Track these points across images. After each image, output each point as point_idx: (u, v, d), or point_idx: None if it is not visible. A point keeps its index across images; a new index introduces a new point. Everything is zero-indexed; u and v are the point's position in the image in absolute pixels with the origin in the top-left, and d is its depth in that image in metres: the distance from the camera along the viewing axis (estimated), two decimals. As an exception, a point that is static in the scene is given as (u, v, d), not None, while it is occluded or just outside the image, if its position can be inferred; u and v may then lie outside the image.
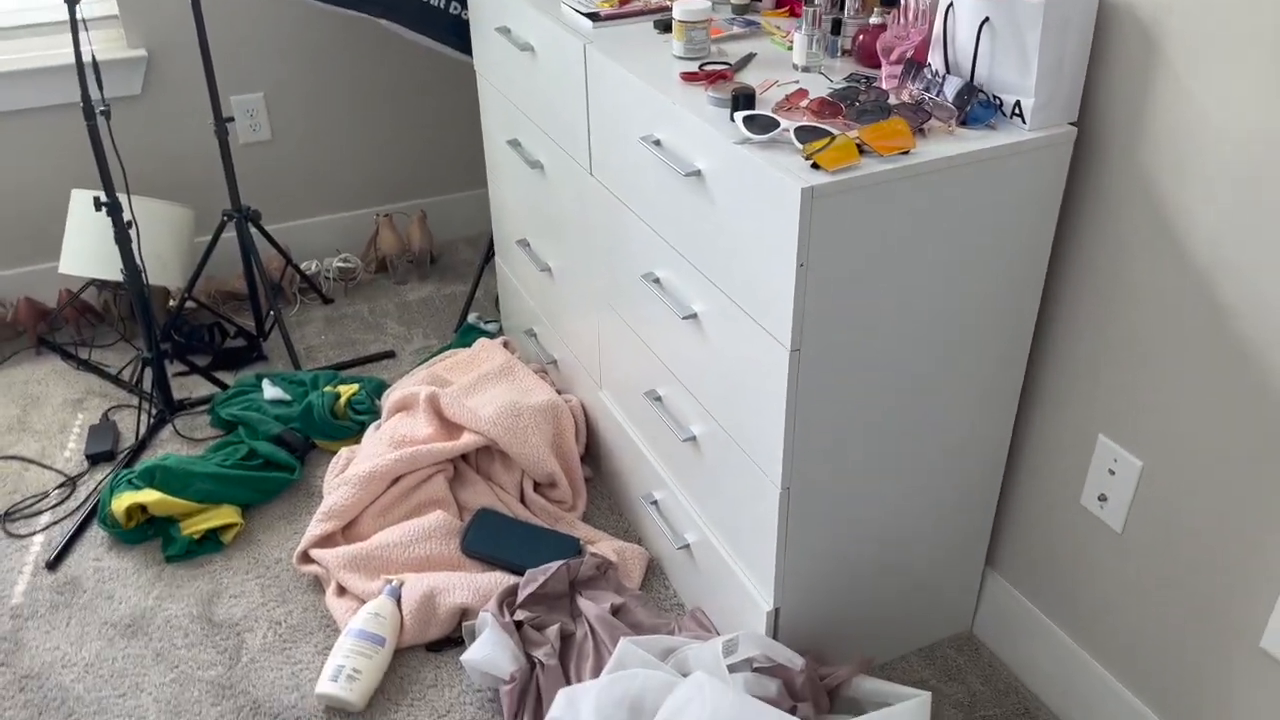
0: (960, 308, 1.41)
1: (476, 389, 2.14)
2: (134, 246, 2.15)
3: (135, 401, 2.39)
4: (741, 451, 1.51)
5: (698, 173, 1.43)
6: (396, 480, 1.96)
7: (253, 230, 2.52)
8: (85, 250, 2.40)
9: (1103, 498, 1.47)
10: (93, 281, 2.61)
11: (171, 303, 2.63)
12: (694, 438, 1.66)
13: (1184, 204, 1.27)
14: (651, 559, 1.94)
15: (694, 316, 1.55)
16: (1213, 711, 1.39)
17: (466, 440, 1.99)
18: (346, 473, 1.97)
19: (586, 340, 2.06)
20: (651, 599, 1.86)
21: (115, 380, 2.46)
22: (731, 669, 1.53)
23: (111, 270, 2.38)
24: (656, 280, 1.65)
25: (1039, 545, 1.63)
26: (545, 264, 2.17)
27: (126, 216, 2.17)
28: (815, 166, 1.25)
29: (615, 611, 1.76)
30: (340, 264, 2.84)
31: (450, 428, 2.04)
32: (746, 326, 1.40)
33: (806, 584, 1.56)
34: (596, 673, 1.65)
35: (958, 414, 1.52)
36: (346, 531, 1.94)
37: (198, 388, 2.45)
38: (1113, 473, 1.45)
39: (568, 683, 1.65)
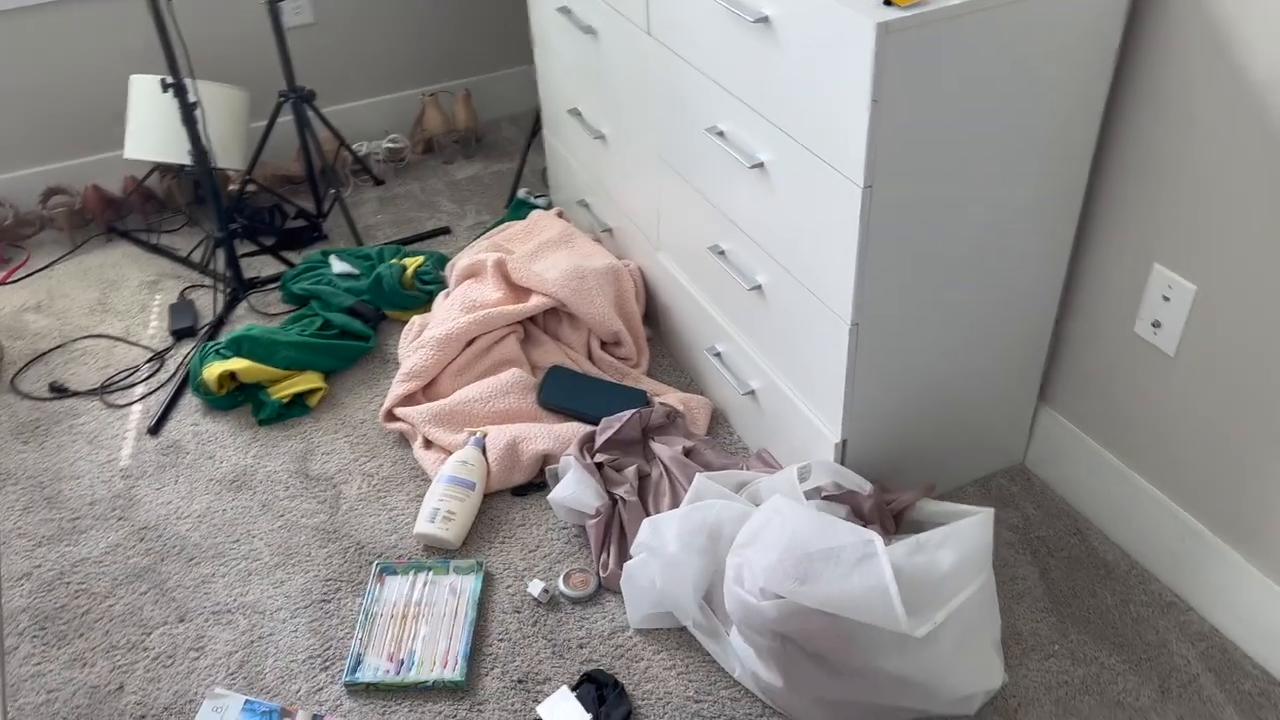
0: (1024, 141, 1.47)
1: (538, 256, 2.22)
2: (200, 128, 2.22)
3: (208, 282, 2.49)
4: (810, 293, 1.59)
5: (765, 19, 1.47)
6: (471, 342, 2.06)
7: (308, 112, 2.57)
8: (149, 135, 2.46)
9: (1156, 324, 1.55)
10: (157, 167, 2.69)
11: (232, 187, 2.70)
12: (759, 286, 1.74)
13: (1244, 34, 1.31)
14: (715, 408, 2.05)
15: (760, 165, 1.61)
16: (1258, 510, 1.49)
17: (535, 302, 2.08)
18: (423, 336, 2.08)
19: (644, 204, 2.12)
20: (718, 443, 1.98)
21: (186, 262, 2.56)
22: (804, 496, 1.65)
23: (176, 153, 2.45)
24: (720, 133, 1.71)
25: (1092, 375, 1.72)
26: (599, 131, 2.22)
27: (191, 98, 2.23)
28: (887, 3, 1.29)
29: (687, 454, 1.87)
30: (389, 145, 2.89)
31: (518, 292, 2.13)
32: (817, 169, 1.47)
33: (871, 417, 1.66)
34: (674, 507, 1.77)
35: (1018, 248, 1.59)
36: (426, 391, 2.06)
37: (264, 267, 2.55)
38: (1167, 299, 1.52)
39: (648, 516, 1.78)
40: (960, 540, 1.45)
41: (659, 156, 1.98)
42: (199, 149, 2.23)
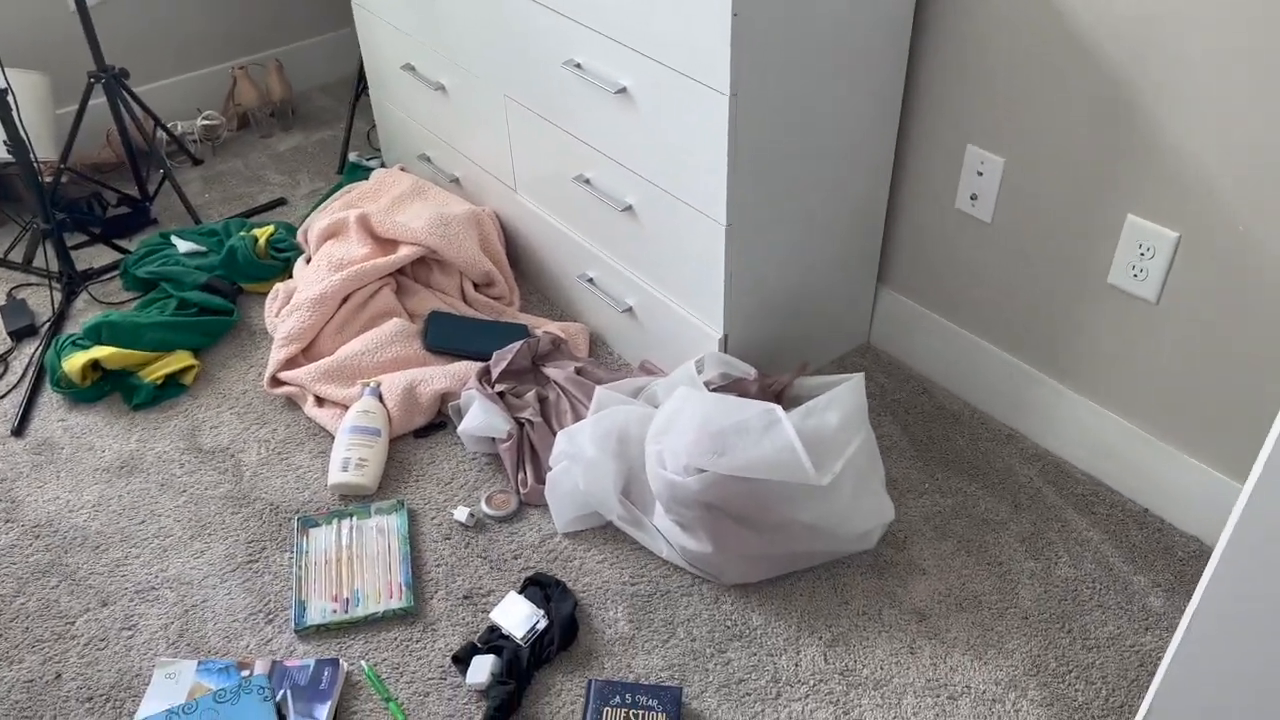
0: (853, 41, 1.67)
1: (396, 209, 2.26)
2: (15, 115, 2.10)
3: (34, 279, 2.37)
4: (683, 204, 1.75)
5: (618, -47, 1.60)
6: (346, 299, 2.09)
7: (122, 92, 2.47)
8: (-55, 130, 2.30)
9: (974, 197, 1.81)
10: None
11: (46, 179, 2.55)
12: (630, 207, 1.88)
13: (1022, -65, 1.56)
14: (592, 332, 2.18)
15: (623, 91, 1.74)
16: (1068, 342, 1.79)
17: (404, 253, 2.13)
18: (296, 299, 2.08)
19: (494, 149, 2.20)
20: (602, 363, 2.11)
21: (4, 263, 2.41)
22: (696, 391, 1.81)
23: (-20, 147, 2.30)
24: (578, 65, 1.82)
25: (922, 252, 1.97)
26: (438, 83, 2.28)
27: (0, 84, 2.11)
28: (736, -73, 1.45)
29: (578, 373, 1.99)
30: (205, 122, 2.81)
31: (384, 245, 2.17)
32: (682, 85, 1.62)
33: (745, 310, 1.84)
34: (576, 423, 1.89)
35: (853, 143, 1.80)
36: (306, 353, 2.07)
37: (94, 258, 2.44)
38: (980, 174, 1.78)
39: (554, 437, 1.89)
40: (841, 402, 1.66)
41: (508, 99, 2.07)
42: (16, 138, 2.11)
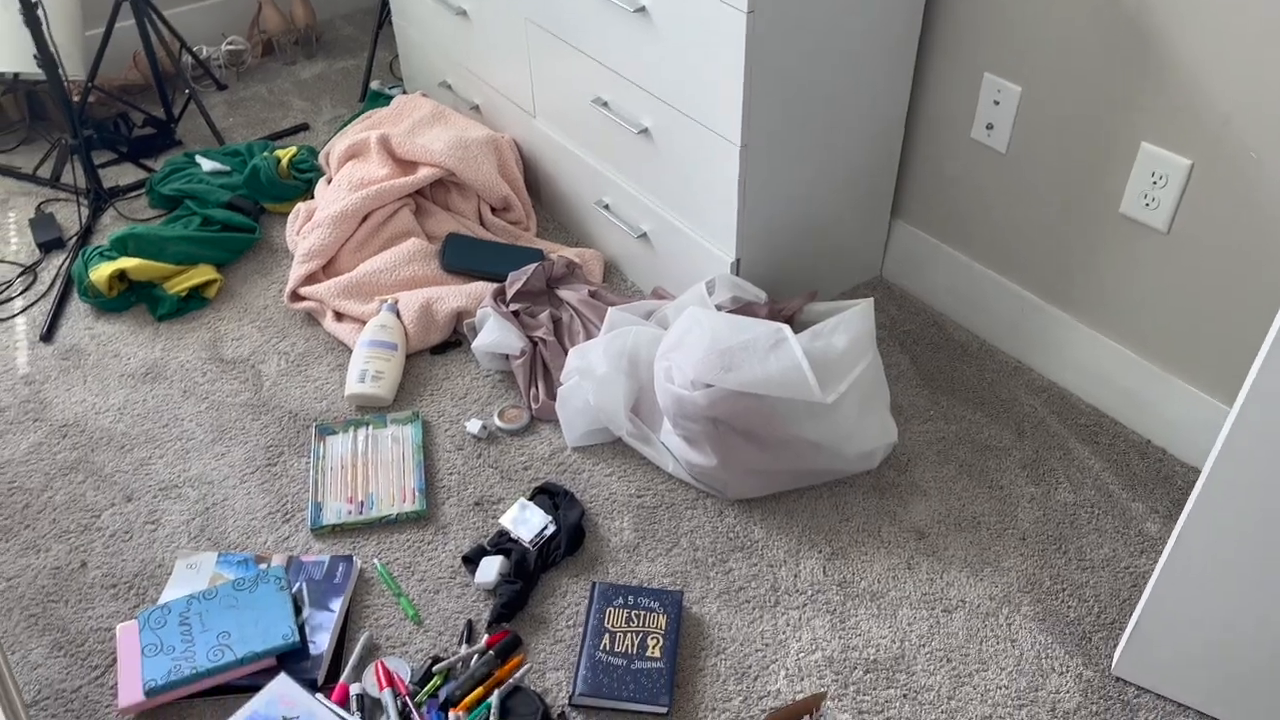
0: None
1: (416, 133, 2.28)
2: (45, 29, 2.13)
3: (62, 195, 2.41)
4: (699, 125, 1.76)
5: None
6: (365, 218, 2.13)
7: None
8: (-24, 44, 2.33)
9: (989, 126, 1.82)
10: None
11: (75, 98, 2.59)
12: (646, 130, 1.90)
13: None
14: (606, 259, 2.21)
15: (642, 10, 1.75)
16: (1079, 274, 1.80)
17: (424, 174, 2.16)
18: (317, 216, 2.12)
19: (514, 74, 2.22)
20: (615, 288, 2.14)
21: (33, 179, 2.45)
22: (707, 313, 1.84)
23: (10, 61, 2.33)
24: (599, -13, 1.83)
25: (936, 184, 1.98)
26: (460, 8, 2.29)
27: (29, -4, 2.13)
28: None
29: (591, 296, 2.02)
30: (229, 48, 2.83)
31: (404, 166, 2.20)
32: (698, 4, 1.63)
33: (758, 236, 1.86)
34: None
35: (870, 71, 1.81)
36: (326, 270, 2.11)
37: (120, 177, 2.48)
38: (997, 103, 1.79)
39: (566, 356, 1.93)
40: (849, 326, 1.68)
41: (529, 22, 2.08)
42: (45, 52, 2.14)
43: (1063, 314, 1.86)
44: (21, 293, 2.15)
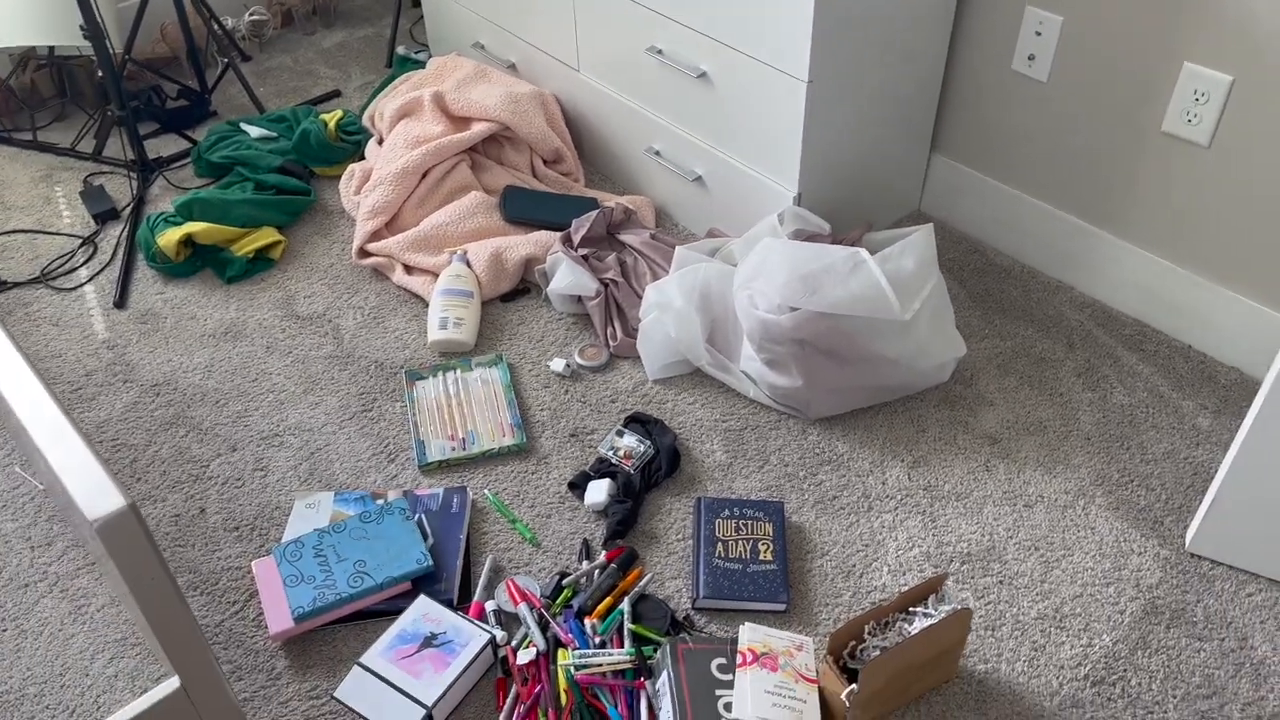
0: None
1: (464, 90, 2.34)
2: (93, 1, 2.15)
3: (103, 169, 2.43)
4: (763, 65, 1.84)
5: None
6: (425, 175, 2.18)
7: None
8: (17, 16, 2.34)
9: (1031, 57, 1.92)
10: (23, 58, 2.54)
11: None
12: (705, 73, 1.98)
13: None
14: (656, 205, 2.28)
15: (705, -43, 1.83)
16: (1120, 192, 1.92)
17: (480, 128, 2.22)
18: (377, 174, 2.17)
19: (557, 28, 2.28)
20: (669, 232, 2.22)
21: (74, 153, 2.47)
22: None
23: (50, 34, 2.34)
24: (657, -64, 1.90)
25: (977, 116, 2.09)
26: (497, -32, 2.34)
27: (76, -32, 2.15)
28: None
29: (653, 239, 2.10)
30: (252, 19, 2.85)
31: (457, 122, 2.26)
32: (766, -53, 1.71)
33: (816, 173, 1.95)
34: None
35: (917, 2, 1.90)
36: (389, 227, 2.16)
37: (161, 148, 2.50)
38: (1039, 34, 1.89)
39: (636, 296, 2.01)
40: (915, 249, 1.78)
41: (576, -23, 2.14)
42: (93, 23, 2.16)
43: (1103, 232, 1.98)
44: (85, 263, 2.18)
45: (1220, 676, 1.44)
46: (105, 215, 2.28)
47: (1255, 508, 1.50)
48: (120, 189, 2.38)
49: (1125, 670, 1.45)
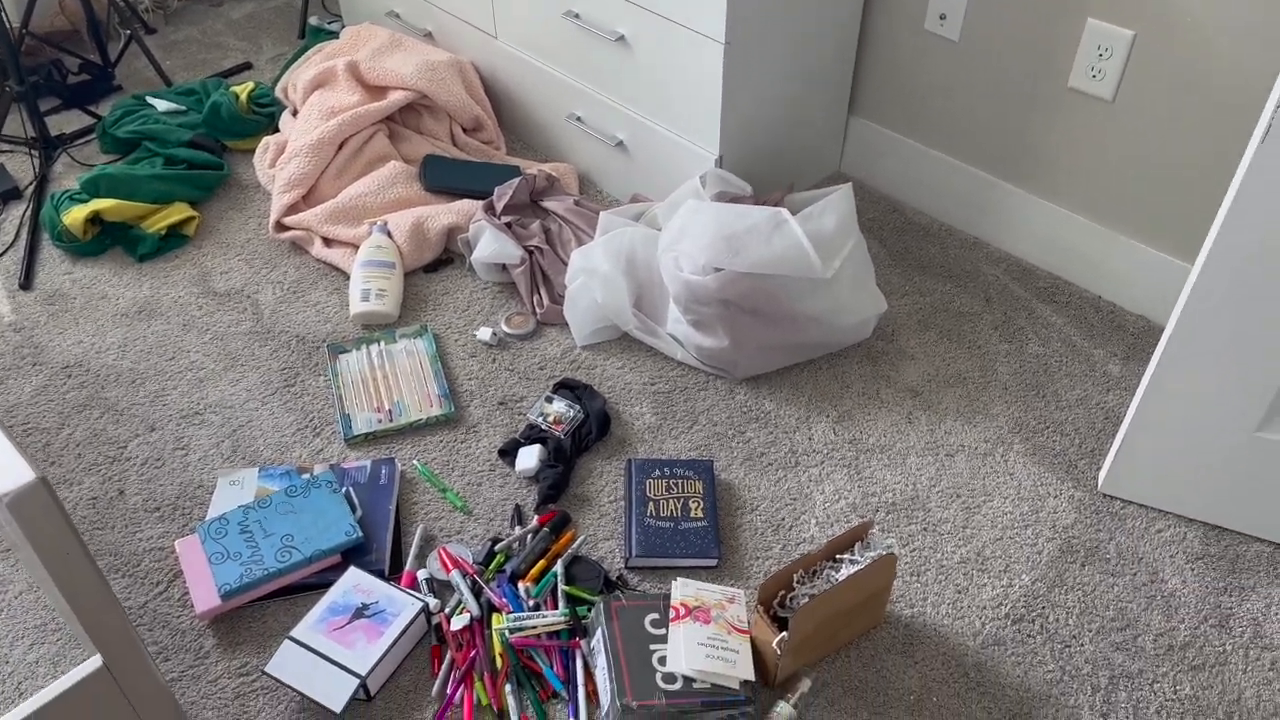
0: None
1: (379, 60, 2.29)
2: (-19, -33, 2.06)
3: (2, 148, 2.33)
4: (681, 27, 1.84)
5: None
6: (342, 145, 2.14)
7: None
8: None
9: (943, 16, 1.96)
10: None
11: None
12: (623, 37, 1.97)
13: None
14: (580, 172, 2.28)
15: (619, -82, 1.82)
16: (1031, 148, 1.96)
17: (396, 97, 2.18)
18: (292, 146, 2.12)
19: (473, -4, 2.25)
20: (593, 199, 2.21)
21: (-31, 132, 2.37)
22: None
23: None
24: (570, -103, 1.88)
25: (892, 76, 2.12)
26: (409, -67, 2.30)
27: (-38, -65, 2.05)
28: None
29: (576, 205, 2.10)
30: (155, -12, 2.75)
31: (373, 91, 2.21)
32: (679, -92, 1.70)
33: (737, 134, 1.96)
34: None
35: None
36: (307, 199, 2.12)
37: (63, 125, 2.41)
38: (950, -7, 1.93)
39: (561, 263, 2.00)
40: (835, 209, 1.81)
41: (490, -58, 2.11)
42: (-17, -8, 2.07)
43: (1016, 188, 2.03)
44: (-13, 244, 2.10)
45: (1133, 609, 1.50)
46: (7, 195, 2.19)
47: (1161, 448, 1.57)
48: (22, 167, 2.29)
49: (1043, 607, 1.50)
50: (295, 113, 2.28)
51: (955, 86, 2.02)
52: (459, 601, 1.47)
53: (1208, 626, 1.48)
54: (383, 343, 1.88)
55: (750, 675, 1.32)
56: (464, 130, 2.28)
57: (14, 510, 0.90)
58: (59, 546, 0.95)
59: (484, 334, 1.89)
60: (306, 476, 1.63)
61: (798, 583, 1.39)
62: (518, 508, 1.62)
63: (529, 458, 1.66)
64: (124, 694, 1.11)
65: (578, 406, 1.75)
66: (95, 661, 1.07)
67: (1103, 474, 1.65)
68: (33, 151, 2.29)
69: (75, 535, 0.95)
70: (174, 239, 2.09)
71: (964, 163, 2.09)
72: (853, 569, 1.39)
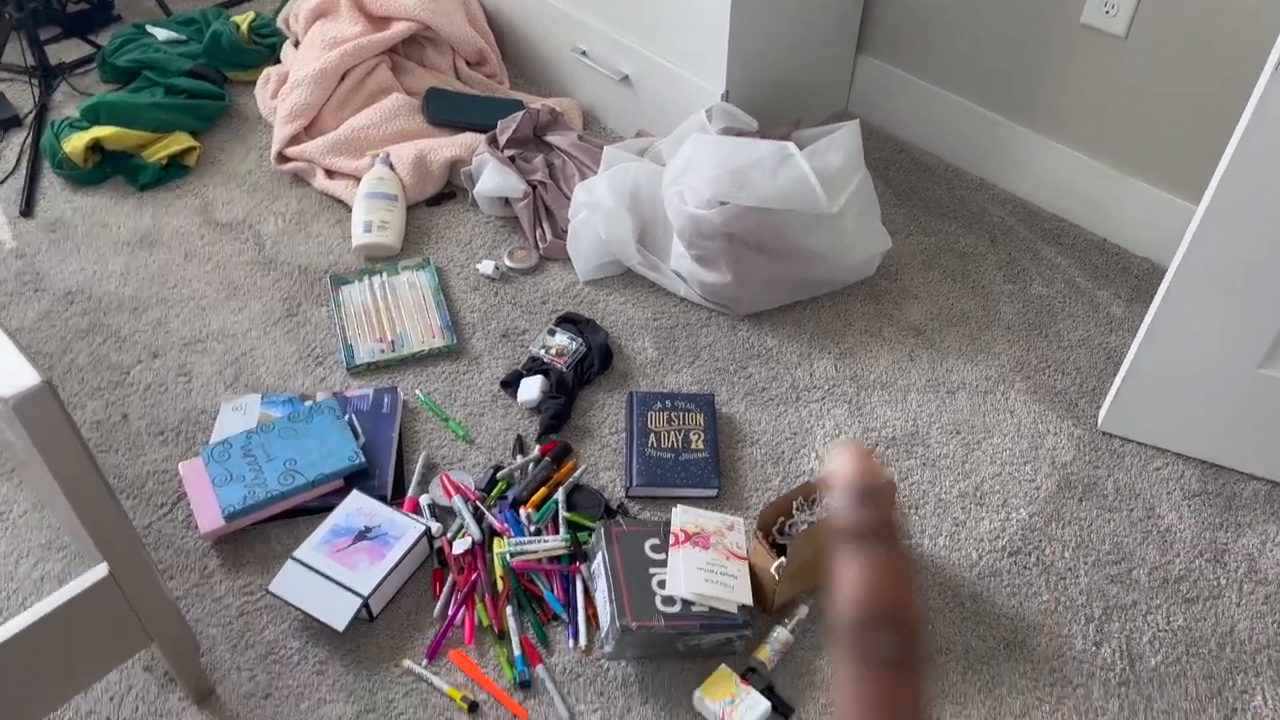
0: None
1: (380, -9, 2.26)
2: (-23, -113, 2.02)
3: (1, 76, 2.31)
4: (687, -43, 1.82)
5: None
6: (344, 77, 2.12)
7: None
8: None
9: (955, -49, 1.93)
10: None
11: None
12: (629, -32, 1.94)
13: None
14: (584, 108, 2.25)
15: None
16: (1040, 87, 1.94)
17: (400, 28, 2.15)
18: (294, 77, 2.10)
19: (477, -74, 2.21)
20: (597, 135, 2.20)
21: (-32, 59, 2.34)
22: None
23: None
24: None
25: (902, 14, 2.09)
26: None
27: None
28: None
29: (580, 140, 2.08)
30: (154, -83, 2.70)
31: (376, 22, 2.19)
32: None
33: (743, 70, 1.94)
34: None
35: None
36: (309, 131, 2.10)
37: (62, 55, 2.38)
38: (963, -73, 1.89)
39: (565, 198, 1.99)
40: (841, 145, 1.79)
41: None
42: (-20, -87, 2.04)
43: (1025, 129, 2.01)
44: (-13, 171, 2.08)
45: (1129, 544, 1.51)
46: (7, 123, 2.17)
47: (1162, 387, 1.57)
48: (21, 96, 2.27)
49: (1040, 541, 1.52)
50: (297, 44, 2.25)
51: (965, 24, 1.99)
52: (461, 526, 1.49)
53: (1203, 561, 1.49)
54: (385, 275, 1.87)
55: (748, 600, 1.34)
56: (467, 63, 2.26)
57: (20, 413, 0.91)
58: (65, 451, 0.95)
59: (486, 267, 1.89)
60: (309, 403, 1.63)
61: (797, 510, 1.40)
62: (519, 438, 1.63)
63: (531, 389, 1.66)
64: (129, 604, 1.12)
65: (580, 340, 1.75)
66: (101, 569, 1.08)
67: (1103, 412, 1.66)
68: (32, 80, 2.27)
69: (80, 440, 0.96)
70: (175, 169, 2.07)
71: (972, 102, 2.07)
72: (852, 498, 1.40)
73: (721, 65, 1.90)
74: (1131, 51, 1.78)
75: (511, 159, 2.00)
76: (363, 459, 1.53)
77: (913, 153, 2.18)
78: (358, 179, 2.01)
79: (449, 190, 2.07)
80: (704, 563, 1.36)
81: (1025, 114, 1.99)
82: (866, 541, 0.38)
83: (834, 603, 0.39)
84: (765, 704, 1.30)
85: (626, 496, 1.56)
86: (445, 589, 1.43)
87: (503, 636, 1.39)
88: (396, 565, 1.40)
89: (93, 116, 2.04)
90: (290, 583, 1.39)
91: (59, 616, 1.08)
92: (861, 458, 0.40)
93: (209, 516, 1.46)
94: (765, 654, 1.35)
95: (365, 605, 1.37)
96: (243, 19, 2.29)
